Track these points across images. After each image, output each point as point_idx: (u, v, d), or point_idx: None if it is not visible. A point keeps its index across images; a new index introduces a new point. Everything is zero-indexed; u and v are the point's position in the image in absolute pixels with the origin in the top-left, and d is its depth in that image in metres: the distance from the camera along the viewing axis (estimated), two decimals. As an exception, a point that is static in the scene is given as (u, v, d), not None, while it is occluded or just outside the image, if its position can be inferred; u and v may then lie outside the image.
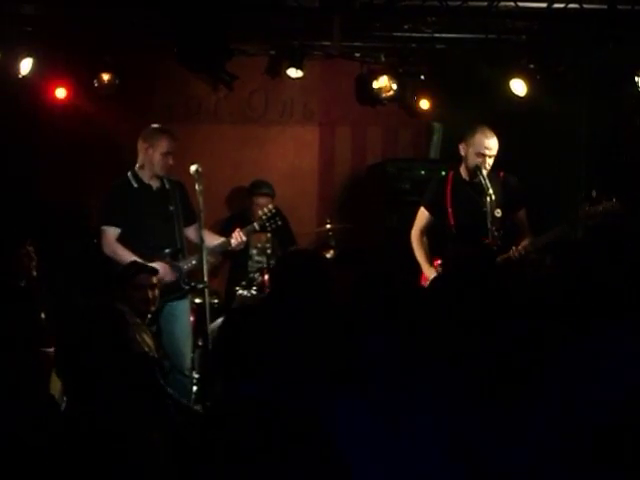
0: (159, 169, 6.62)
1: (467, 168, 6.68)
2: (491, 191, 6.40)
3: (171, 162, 6.61)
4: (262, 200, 7.94)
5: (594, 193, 6.30)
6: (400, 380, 3.23)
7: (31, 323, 4.13)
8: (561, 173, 7.99)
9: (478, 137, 6.58)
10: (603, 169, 7.71)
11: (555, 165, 7.94)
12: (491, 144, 6.57)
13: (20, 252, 5.77)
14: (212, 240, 6.71)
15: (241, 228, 6.85)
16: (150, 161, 6.61)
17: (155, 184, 6.69)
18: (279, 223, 7.02)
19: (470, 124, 6.93)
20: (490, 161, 6.56)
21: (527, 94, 7.35)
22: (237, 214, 8.36)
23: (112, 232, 6.55)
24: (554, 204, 7.40)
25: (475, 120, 7.09)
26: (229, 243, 6.73)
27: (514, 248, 6.44)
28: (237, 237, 6.73)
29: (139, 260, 6.24)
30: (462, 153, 6.71)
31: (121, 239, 6.53)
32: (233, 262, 8.11)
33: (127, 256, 6.38)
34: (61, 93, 7.78)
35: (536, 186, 7.71)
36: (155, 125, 6.79)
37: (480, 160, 6.54)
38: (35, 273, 5.87)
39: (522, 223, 6.69)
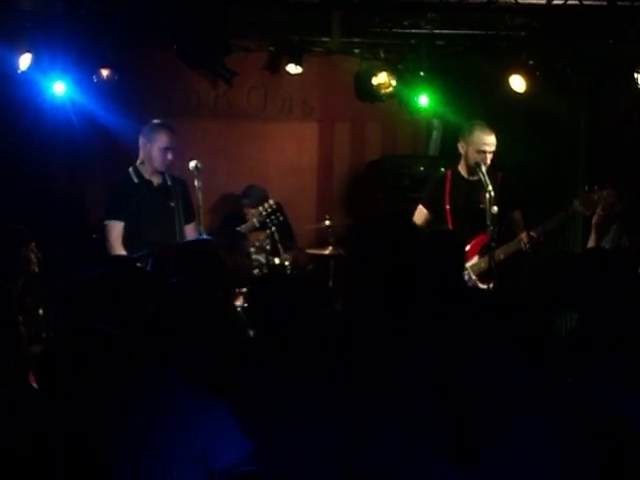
0: (158, 164, 6.63)
1: (467, 166, 6.74)
2: (490, 187, 6.43)
3: (170, 157, 6.61)
4: (249, 210, 7.85)
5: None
6: None
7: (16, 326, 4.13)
8: (560, 169, 8.00)
9: (476, 135, 6.65)
10: (602, 165, 7.72)
11: (554, 161, 7.95)
12: (490, 140, 6.64)
13: (27, 249, 5.76)
14: None
15: (239, 226, 6.86)
16: (149, 156, 6.63)
17: (156, 180, 6.70)
18: (280, 219, 7.01)
19: (468, 121, 6.97)
20: (490, 157, 6.62)
21: (526, 90, 7.35)
22: (234, 212, 8.32)
23: (115, 226, 6.56)
24: (553, 200, 7.40)
25: (474, 117, 7.12)
26: None
27: (521, 238, 6.51)
28: None
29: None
30: (461, 151, 6.77)
31: (122, 234, 6.53)
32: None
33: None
34: (60, 88, 7.75)
35: (535, 182, 7.73)
36: (155, 121, 6.79)
37: (481, 157, 6.60)
38: (37, 269, 5.86)
39: (517, 223, 6.76)
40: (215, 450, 3.16)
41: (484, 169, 6.55)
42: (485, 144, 6.63)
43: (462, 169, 6.83)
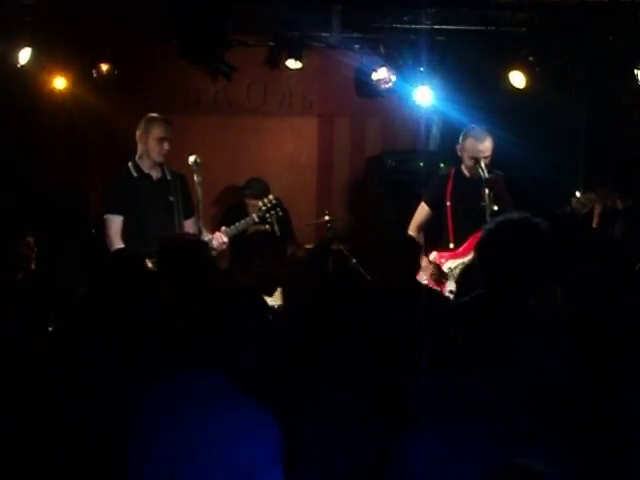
0: (155, 155, 6.64)
1: (467, 166, 6.77)
2: (488, 183, 6.45)
3: (166, 147, 6.63)
4: (250, 201, 7.93)
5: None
6: None
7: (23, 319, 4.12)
8: (560, 165, 8.00)
9: (469, 142, 6.69)
10: (602, 162, 7.73)
11: (554, 157, 7.95)
12: (483, 147, 6.66)
13: (21, 244, 5.74)
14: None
15: (238, 221, 6.85)
16: (146, 148, 6.64)
17: (156, 174, 6.70)
18: (280, 214, 7.01)
19: (468, 117, 6.98)
20: (485, 161, 6.63)
21: (526, 86, 7.35)
22: (234, 207, 8.33)
23: (115, 221, 6.55)
24: (553, 196, 7.41)
25: (474, 113, 7.12)
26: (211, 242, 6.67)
27: None
28: (217, 237, 6.71)
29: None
30: (459, 154, 6.79)
31: (122, 228, 6.53)
32: (233, 253, 8.10)
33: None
34: (60, 83, 7.75)
35: (535, 178, 7.73)
36: (150, 114, 6.80)
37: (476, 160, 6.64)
38: (34, 266, 5.84)
39: None
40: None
41: (483, 165, 6.57)
42: (478, 151, 6.66)
43: (464, 168, 6.86)
